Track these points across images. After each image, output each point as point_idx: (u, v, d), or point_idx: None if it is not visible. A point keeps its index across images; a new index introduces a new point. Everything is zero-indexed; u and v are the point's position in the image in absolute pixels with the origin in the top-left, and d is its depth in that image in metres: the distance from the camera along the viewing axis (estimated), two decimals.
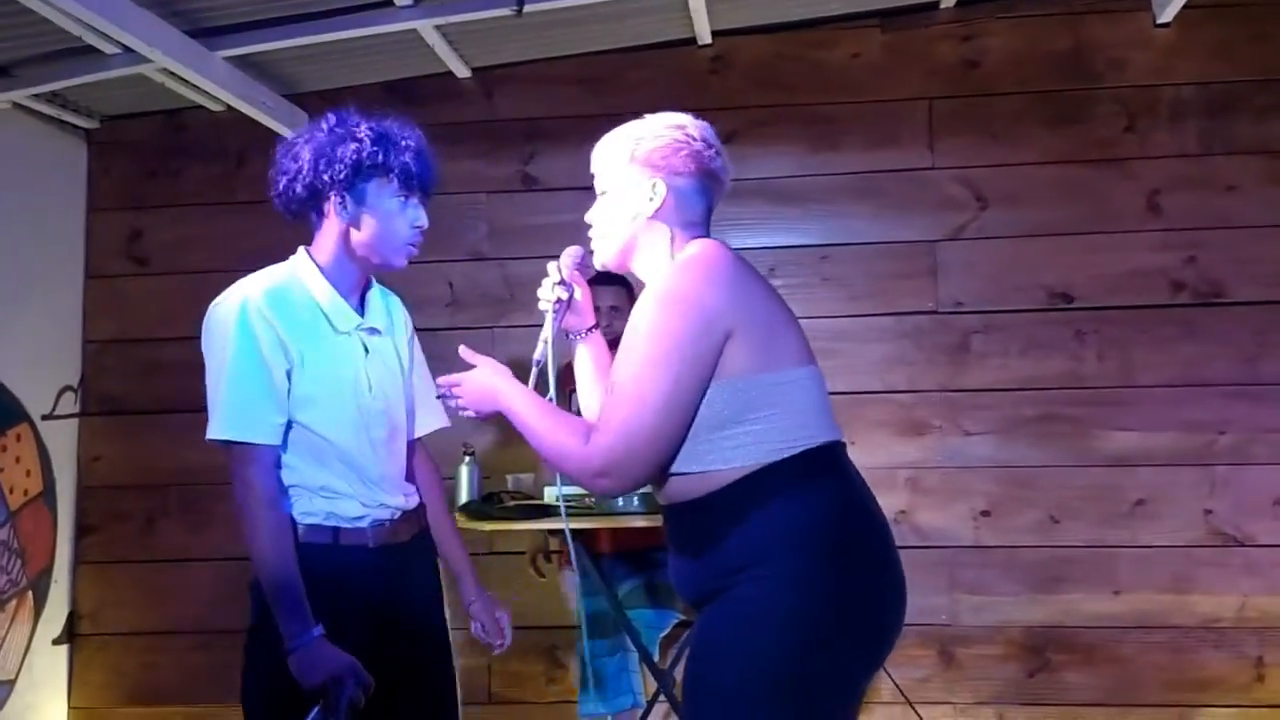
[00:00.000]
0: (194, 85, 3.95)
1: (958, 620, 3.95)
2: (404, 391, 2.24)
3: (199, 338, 4.51)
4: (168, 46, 3.55)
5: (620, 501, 3.16)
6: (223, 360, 2.00)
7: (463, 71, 4.26)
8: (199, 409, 4.25)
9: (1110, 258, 3.99)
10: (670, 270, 1.77)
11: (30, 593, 4.11)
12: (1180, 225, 3.96)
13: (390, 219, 2.08)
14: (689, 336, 1.69)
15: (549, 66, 4.29)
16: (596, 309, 3.69)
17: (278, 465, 2.03)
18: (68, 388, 4.35)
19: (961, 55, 4.12)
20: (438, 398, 1.97)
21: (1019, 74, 4.08)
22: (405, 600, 2.14)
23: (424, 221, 2.13)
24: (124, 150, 4.49)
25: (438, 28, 3.79)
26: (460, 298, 4.29)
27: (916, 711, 3.45)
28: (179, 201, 4.45)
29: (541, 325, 1.98)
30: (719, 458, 1.71)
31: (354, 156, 2.03)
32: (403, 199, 2.08)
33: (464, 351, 1.95)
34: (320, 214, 2.10)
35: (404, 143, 2.08)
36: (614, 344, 3.70)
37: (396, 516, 2.14)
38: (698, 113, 4.30)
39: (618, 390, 1.71)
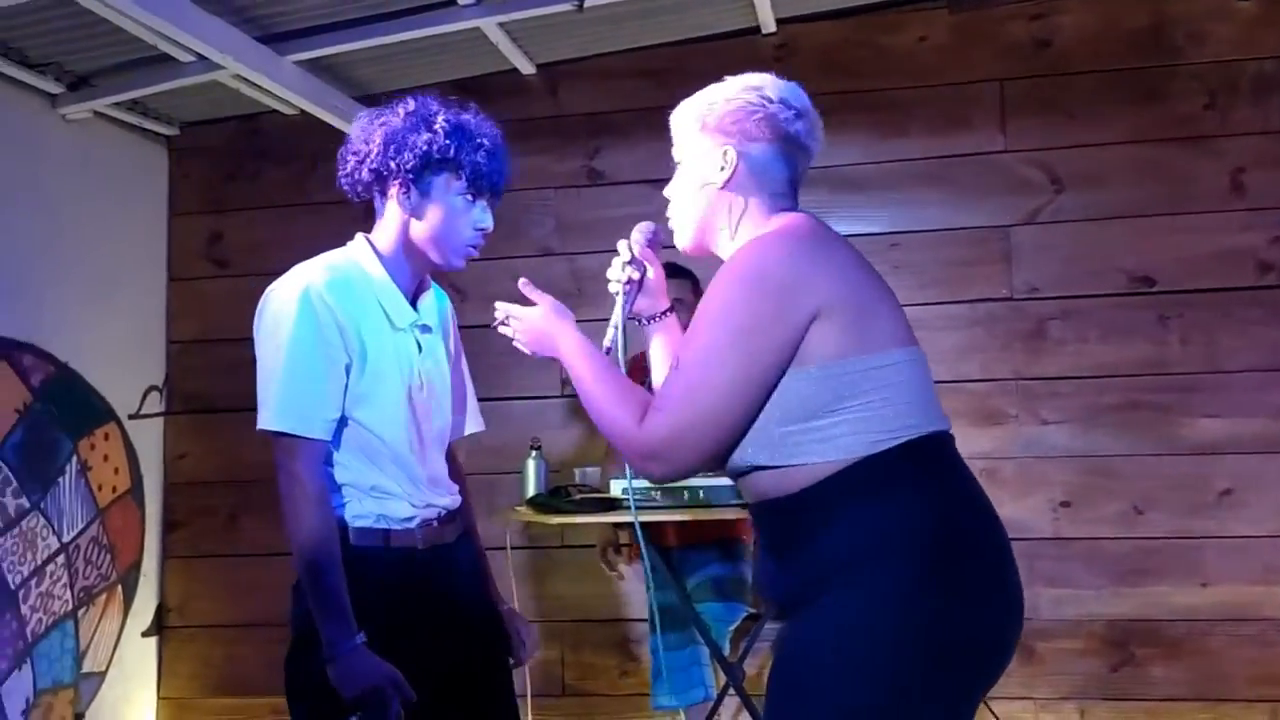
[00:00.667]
0: (267, 90, 4.04)
1: (1037, 614, 3.85)
2: (450, 391, 2.17)
3: None
4: (239, 52, 3.63)
5: (686, 495, 3.16)
6: (280, 348, 1.91)
7: (528, 68, 4.28)
8: None
9: (1193, 239, 3.86)
10: (749, 245, 1.62)
11: (120, 586, 4.25)
12: (1266, 204, 3.81)
13: (454, 217, 1.99)
14: (765, 317, 1.54)
15: (613, 60, 4.29)
16: None
17: (326, 462, 1.97)
18: (153, 388, 4.48)
19: (1033, 34, 4.02)
20: (493, 326, 1.88)
21: (1094, 51, 3.97)
22: (457, 601, 2.08)
23: (488, 224, 2.03)
24: (203, 155, 4.61)
25: (501, 25, 3.82)
26: None
27: (991, 710, 3.38)
28: (256, 204, 4.55)
29: (611, 310, 1.84)
30: (810, 450, 1.55)
31: (425, 147, 1.94)
32: (469, 198, 1.99)
33: (524, 286, 1.85)
34: (384, 199, 2.02)
35: (479, 140, 1.98)
36: None
37: (443, 516, 2.09)
38: None
39: (681, 370, 1.58)
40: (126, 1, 3.17)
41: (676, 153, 1.79)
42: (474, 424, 2.30)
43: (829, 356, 1.55)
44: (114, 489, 4.23)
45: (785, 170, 1.73)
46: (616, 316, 1.82)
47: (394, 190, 1.97)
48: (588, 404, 1.69)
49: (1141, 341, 3.89)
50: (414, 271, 2.07)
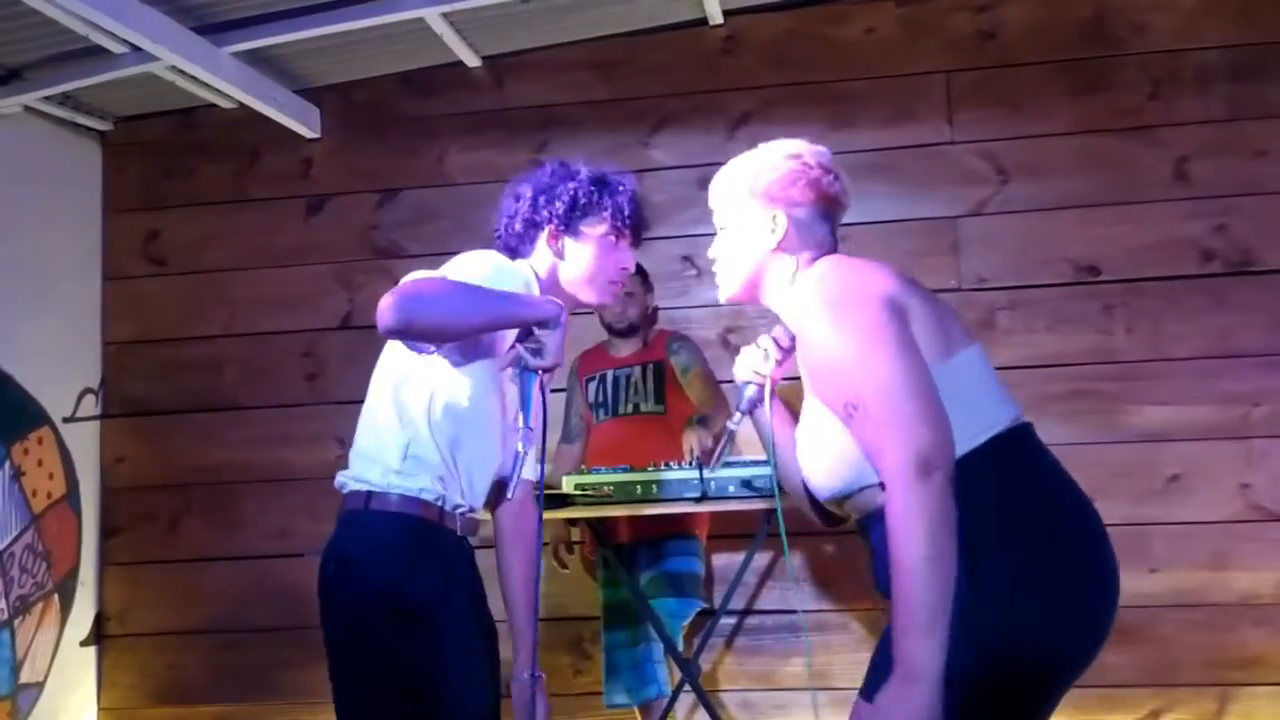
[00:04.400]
0: (204, 83, 3.94)
1: None
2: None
3: (219, 336, 4.46)
4: (174, 43, 3.54)
5: (639, 489, 3.12)
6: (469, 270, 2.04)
7: (473, 60, 4.22)
8: (221, 408, 4.33)
9: (1137, 228, 3.89)
10: (819, 282, 1.74)
11: (56, 595, 4.12)
12: (1209, 193, 3.86)
13: (600, 257, 2.16)
14: (875, 315, 1.65)
15: (560, 53, 4.25)
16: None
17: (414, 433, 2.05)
18: (88, 390, 4.36)
19: (978, 26, 4.04)
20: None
21: (1038, 43, 3.99)
22: (478, 590, 2.19)
23: (631, 262, 2.22)
24: (138, 151, 4.50)
25: (444, 16, 3.76)
26: None
27: None
28: (195, 201, 4.45)
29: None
30: None
31: (571, 194, 2.14)
32: (613, 240, 2.16)
33: None
34: (532, 245, 2.17)
35: (619, 185, 2.19)
36: (626, 332, 3.66)
37: (474, 513, 2.16)
38: (711, 94, 4.23)
39: (864, 410, 1.61)
40: None
41: (720, 218, 1.93)
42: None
43: (928, 360, 1.65)
44: (49, 495, 4.11)
45: (825, 225, 1.88)
46: (759, 401, 1.95)
47: (543, 237, 2.15)
48: (932, 564, 1.54)
49: (1088, 331, 3.91)
50: None
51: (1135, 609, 3.78)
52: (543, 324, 1.93)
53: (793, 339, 1.93)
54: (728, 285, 1.93)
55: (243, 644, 4.25)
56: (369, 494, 2.03)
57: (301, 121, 4.26)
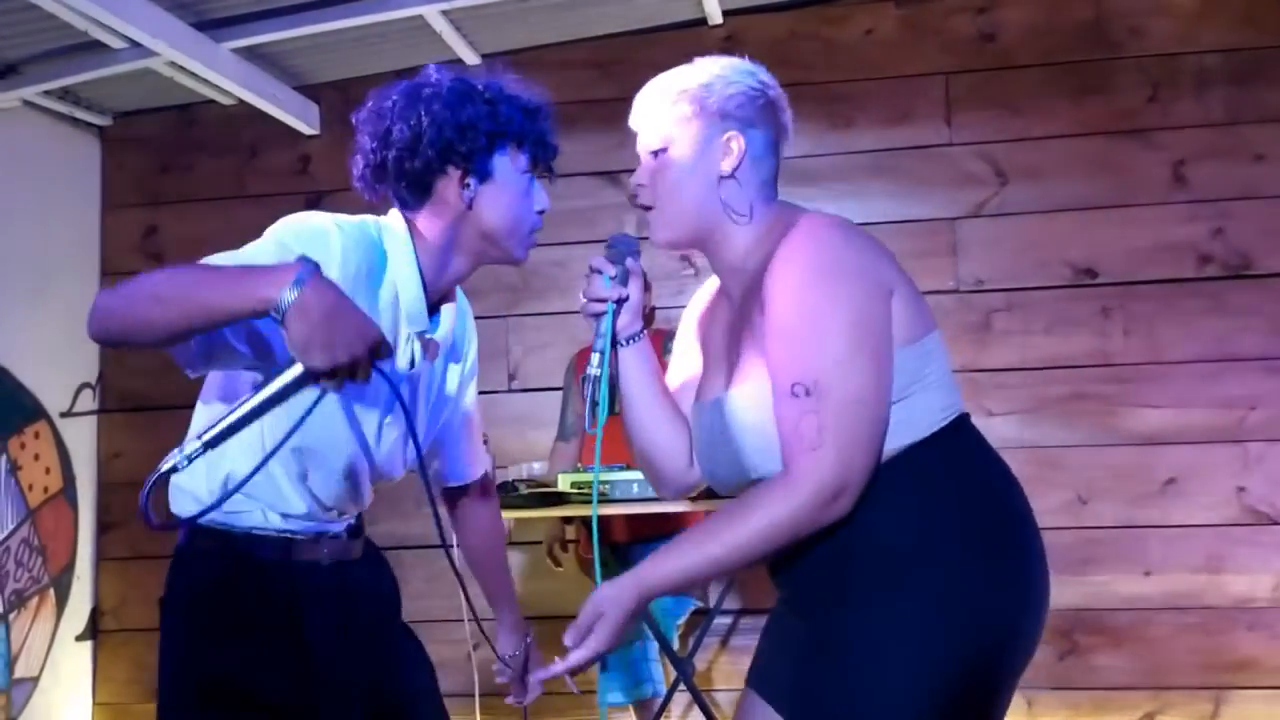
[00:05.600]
0: (203, 79, 3.94)
1: None
2: (433, 425, 1.84)
3: None
4: (173, 39, 3.55)
5: (635, 488, 3.12)
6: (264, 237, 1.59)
7: (472, 58, 4.22)
8: None
9: (1135, 231, 3.90)
10: (800, 240, 1.49)
11: (52, 590, 4.13)
12: (1207, 196, 3.86)
13: (518, 202, 1.68)
14: (869, 305, 1.45)
15: (559, 51, 4.25)
16: None
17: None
18: (86, 385, 4.36)
19: (978, 28, 4.04)
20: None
21: (1037, 45, 3.99)
22: (366, 619, 1.82)
23: (548, 204, 1.73)
24: (137, 146, 4.50)
25: (444, 13, 3.76)
26: (474, 286, 4.17)
27: None
28: (193, 196, 4.45)
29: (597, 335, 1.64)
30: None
31: (485, 123, 1.63)
32: (530, 177, 1.70)
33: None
34: (426, 195, 1.67)
35: (534, 105, 1.69)
36: None
37: (348, 531, 1.81)
38: None
39: (815, 393, 1.42)
40: None
41: (654, 139, 1.60)
42: (482, 466, 2.03)
43: (903, 340, 1.49)
44: (45, 489, 4.11)
45: (773, 160, 1.62)
46: (605, 340, 1.62)
47: (446, 181, 1.65)
48: (727, 548, 1.46)
49: (1085, 333, 3.92)
50: (455, 274, 1.75)
51: (1130, 611, 3.80)
52: (262, 314, 1.39)
53: (637, 248, 1.66)
54: (668, 222, 1.60)
55: None
56: (193, 528, 1.68)
57: (300, 118, 4.26)
